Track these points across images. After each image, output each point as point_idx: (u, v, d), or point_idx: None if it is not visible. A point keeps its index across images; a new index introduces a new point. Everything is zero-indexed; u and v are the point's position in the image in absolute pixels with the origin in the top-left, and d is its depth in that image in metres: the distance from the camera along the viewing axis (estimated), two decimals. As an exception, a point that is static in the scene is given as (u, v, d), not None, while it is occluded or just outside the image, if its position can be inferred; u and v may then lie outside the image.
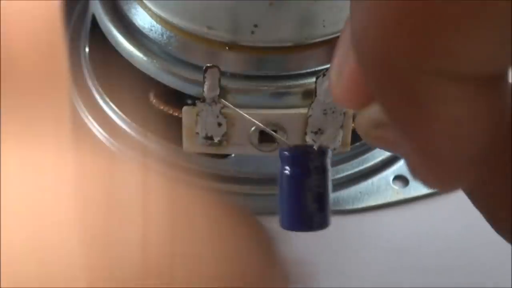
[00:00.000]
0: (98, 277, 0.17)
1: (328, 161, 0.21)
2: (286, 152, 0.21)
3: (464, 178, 0.13)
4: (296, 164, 0.20)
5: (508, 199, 0.14)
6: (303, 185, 0.20)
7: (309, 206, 0.20)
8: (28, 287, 0.15)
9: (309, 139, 0.23)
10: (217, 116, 0.23)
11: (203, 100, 0.22)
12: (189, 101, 0.24)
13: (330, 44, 0.24)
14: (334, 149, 0.24)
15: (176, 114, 0.26)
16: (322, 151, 0.22)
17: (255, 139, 0.23)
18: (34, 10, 0.16)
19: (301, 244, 0.24)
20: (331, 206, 0.21)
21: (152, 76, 0.25)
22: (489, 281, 0.24)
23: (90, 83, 0.28)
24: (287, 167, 0.20)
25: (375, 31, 0.11)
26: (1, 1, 0.14)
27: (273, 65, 0.23)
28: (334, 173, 0.27)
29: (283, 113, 0.23)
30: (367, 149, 0.27)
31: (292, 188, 0.20)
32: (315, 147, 0.21)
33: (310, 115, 0.23)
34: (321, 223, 0.20)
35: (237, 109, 0.23)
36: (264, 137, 0.23)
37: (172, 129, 0.25)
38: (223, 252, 0.21)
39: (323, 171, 0.20)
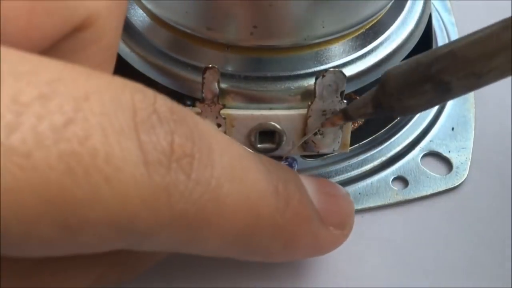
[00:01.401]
0: None
1: (295, 171, 0.23)
2: None
3: None
4: None
5: None
6: None
7: None
8: None
9: (308, 140, 0.23)
10: (216, 117, 0.23)
11: (202, 101, 0.22)
12: (188, 102, 0.24)
13: (330, 44, 0.24)
14: (334, 150, 0.24)
15: (175, 115, 0.26)
16: (290, 163, 0.23)
17: (255, 140, 0.23)
18: None
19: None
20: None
21: (151, 76, 0.25)
22: (489, 281, 0.24)
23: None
24: None
25: None
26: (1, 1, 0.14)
27: (273, 66, 0.23)
28: (333, 174, 0.27)
29: (283, 114, 0.23)
30: (367, 150, 0.27)
31: None
32: (283, 159, 0.23)
33: (310, 116, 0.23)
34: None
35: (236, 110, 0.23)
36: (263, 138, 0.23)
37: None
38: None
39: None
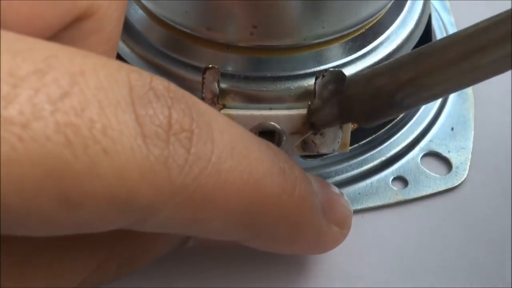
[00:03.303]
0: None
1: None
2: None
3: None
4: None
5: None
6: None
7: None
8: None
9: (308, 140, 0.23)
10: (216, 117, 0.23)
11: (202, 101, 0.22)
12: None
13: (329, 45, 0.24)
14: (334, 150, 0.24)
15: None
16: None
17: (255, 140, 0.23)
18: None
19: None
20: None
21: (151, 77, 0.25)
22: (489, 281, 0.24)
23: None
24: None
25: None
26: (1, 1, 0.14)
27: (272, 66, 0.23)
28: (333, 174, 0.27)
29: (282, 114, 0.23)
30: (366, 150, 0.27)
31: None
32: None
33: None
34: None
35: (236, 110, 0.23)
36: (263, 138, 0.23)
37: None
38: None
39: None
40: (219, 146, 0.15)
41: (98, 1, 0.16)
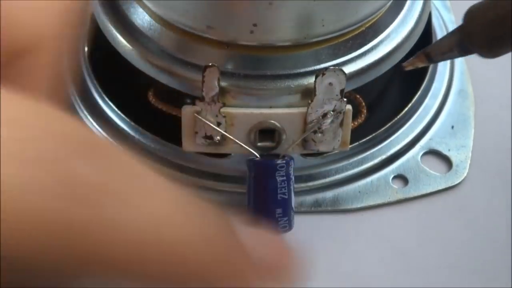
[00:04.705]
0: None
1: (292, 170, 0.23)
2: (253, 162, 0.23)
3: None
4: (263, 174, 0.23)
5: None
6: (268, 192, 0.23)
7: (273, 211, 0.23)
8: None
9: (308, 139, 0.23)
10: (216, 116, 0.23)
11: (202, 99, 0.22)
12: (188, 101, 0.24)
13: (329, 43, 0.24)
14: (334, 148, 0.24)
15: (175, 113, 0.26)
16: (287, 162, 0.23)
17: (254, 138, 0.23)
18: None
19: (299, 244, 0.24)
20: (294, 211, 0.23)
21: (151, 75, 0.25)
22: (489, 281, 0.24)
23: (89, 83, 0.28)
24: (253, 176, 0.23)
25: None
26: (1, 1, 0.14)
27: (273, 64, 0.23)
28: (333, 172, 0.27)
29: (283, 112, 0.23)
30: (367, 148, 0.27)
31: (258, 194, 0.23)
32: (280, 157, 0.23)
33: (310, 114, 0.23)
34: (284, 227, 0.23)
35: (236, 109, 0.23)
36: (264, 136, 0.23)
37: (171, 129, 0.24)
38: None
39: (287, 179, 0.23)
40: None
41: (39, 34, 0.15)
